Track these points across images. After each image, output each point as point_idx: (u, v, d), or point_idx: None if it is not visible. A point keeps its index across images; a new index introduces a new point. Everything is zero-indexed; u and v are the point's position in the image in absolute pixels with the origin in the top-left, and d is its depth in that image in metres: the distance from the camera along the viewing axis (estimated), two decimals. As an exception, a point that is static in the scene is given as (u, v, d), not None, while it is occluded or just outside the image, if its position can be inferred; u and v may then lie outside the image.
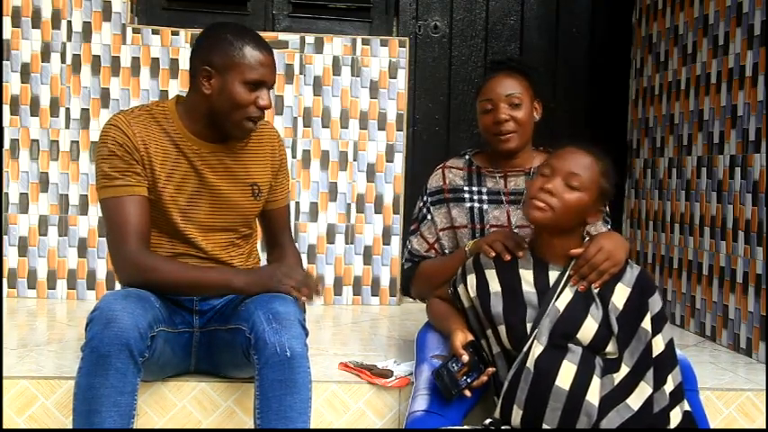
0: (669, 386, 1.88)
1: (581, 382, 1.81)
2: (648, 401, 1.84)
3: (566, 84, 3.72)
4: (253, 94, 2.02)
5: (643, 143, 3.55)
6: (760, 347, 2.68)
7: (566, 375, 1.82)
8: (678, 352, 2.11)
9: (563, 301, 1.92)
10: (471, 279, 2.05)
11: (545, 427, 1.81)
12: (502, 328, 1.95)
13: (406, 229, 2.45)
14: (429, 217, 2.37)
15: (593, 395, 1.81)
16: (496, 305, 1.97)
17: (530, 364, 1.86)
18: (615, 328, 1.87)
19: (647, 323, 1.90)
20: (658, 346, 1.90)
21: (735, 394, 2.34)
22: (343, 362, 2.36)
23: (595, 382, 1.82)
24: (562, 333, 1.87)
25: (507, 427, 1.89)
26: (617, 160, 3.65)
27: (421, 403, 1.98)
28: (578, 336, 1.87)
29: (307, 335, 1.94)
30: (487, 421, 1.93)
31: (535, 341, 1.88)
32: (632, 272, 1.95)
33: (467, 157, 2.40)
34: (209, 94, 2.02)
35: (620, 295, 1.92)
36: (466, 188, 2.34)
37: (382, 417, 2.23)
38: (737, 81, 2.86)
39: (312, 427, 1.93)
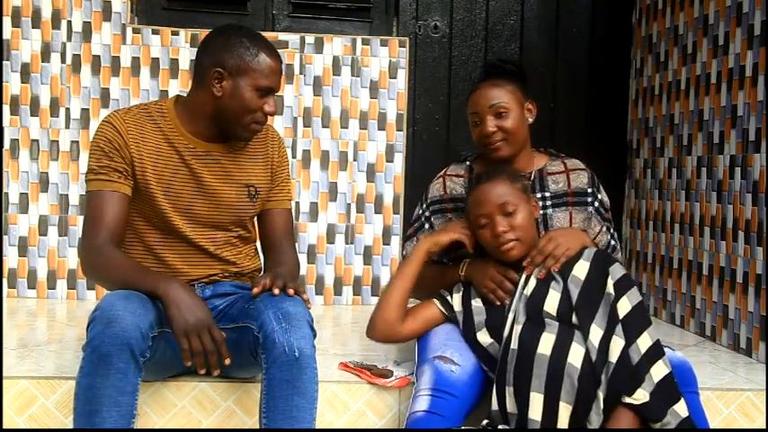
0: (645, 342, 1.94)
1: (561, 346, 1.92)
2: (625, 353, 1.92)
3: (566, 84, 3.72)
4: (262, 100, 2.05)
5: (643, 143, 3.55)
6: (760, 347, 2.68)
7: (546, 344, 1.93)
8: (678, 353, 2.14)
9: (529, 288, 2.06)
10: (457, 297, 2.21)
11: (533, 394, 1.88)
12: (482, 333, 2.09)
13: (406, 230, 2.45)
14: (427, 226, 2.37)
15: (575, 358, 1.90)
16: (478, 314, 2.12)
17: (513, 344, 1.97)
18: (574, 296, 1.99)
19: (610, 288, 1.99)
20: (625, 306, 1.97)
21: (735, 394, 2.34)
22: (343, 362, 2.36)
23: (575, 348, 1.91)
24: (534, 310, 2.01)
25: (504, 427, 1.91)
26: (617, 160, 3.70)
27: (422, 404, 1.98)
28: (546, 308, 2.00)
29: (315, 336, 1.94)
30: (484, 422, 1.96)
31: (515, 324, 2.01)
32: (590, 251, 2.09)
33: (467, 162, 2.40)
34: (220, 96, 2.03)
35: (581, 269, 2.04)
36: (467, 196, 2.33)
37: (382, 417, 2.23)
38: (737, 81, 2.86)
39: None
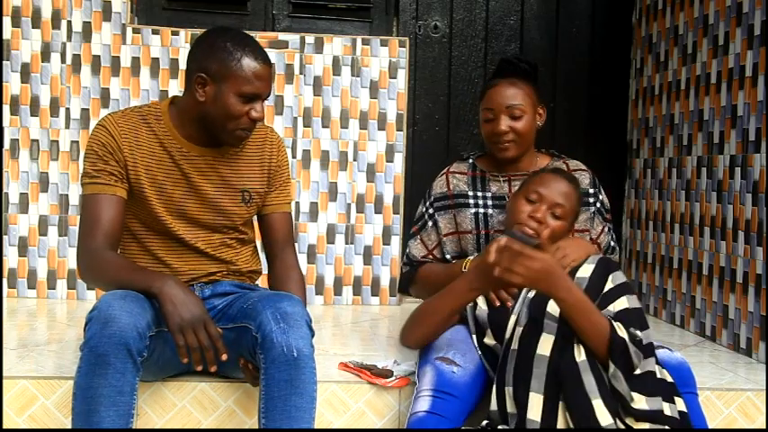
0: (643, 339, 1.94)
1: (560, 348, 1.90)
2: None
3: (566, 84, 3.72)
4: (246, 106, 2.01)
5: (643, 143, 3.55)
6: (760, 347, 2.68)
7: (545, 345, 1.92)
8: (677, 353, 2.14)
9: (533, 291, 2.04)
10: None
11: (532, 394, 1.87)
12: (488, 332, 2.08)
13: (407, 230, 2.45)
14: (430, 223, 2.36)
15: (577, 355, 1.90)
16: (481, 314, 2.11)
17: (514, 345, 1.97)
18: None
19: (607, 288, 1.99)
20: (622, 303, 1.95)
21: (735, 394, 2.34)
22: (343, 362, 2.36)
23: (575, 347, 1.91)
24: (536, 312, 1.99)
25: (504, 427, 1.91)
26: (617, 160, 3.70)
27: (423, 404, 1.98)
28: (549, 309, 1.97)
29: (313, 335, 1.94)
30: (484, 423, 1.96)
31: (516, 326, 2.00)
32: (595, 257, 2.09)
33: (470, 161, 2.40)
34: (203, 102, 2.01)
35: (585, 270, 2.04)
36: (470, 193, 2.33)
37: (382, 417, 2.23)
38: (737, 81, 2.86)
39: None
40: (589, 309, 1.87)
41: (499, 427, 1.93)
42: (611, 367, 1.85)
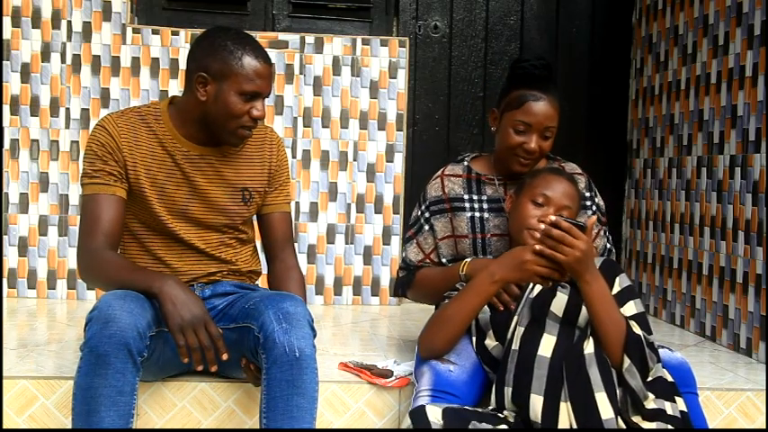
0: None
1: (562, 348, 1.90)
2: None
3: (565, 84, 3.72)
4: (247, 105, 2.02)
5: (643, 143, 3.55)
6: (760, 347, 2.68)
7: (546, 345, 1.92)
8: (677, 353, 2.14)
9: (534, 292, 2.04)
10: None
11: (533, 396, 1.87)
12: (489, 333, 2.07)
13: (406, 231, 2.44)
14: (427, 227, 2.35)
15: (585, 347, 1.90)
16: (483, 317, 2.09)
17: (515, 345, 1.96)
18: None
19: (615, 291, 1.99)
20: (630, 309, 1.98)
21: (735, 394, 2.34)
22: (343, 362, 2.36)
23: (585, 340, 1.91)
24: (539, 312, 1.98)
25: (512, 413, 1.91)
26: (617, 160, 3.70)
27: (422, 404, 1.98)
28: (552, 309, 1.97)
29: (315, 335, 1.94)
30: (490, 408, 1.97)
31: (518, 327, 1.99)
32: (599, 260, 2.08)
33: (465, 163, 2.37)
34: (204, 101, 2.02)
35: None
36: (466, 197, 2.32)
37: (382, 417, 2.23)
38: (737, 81, 2.86)
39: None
40: (610, 300, 1.90)
41: (504, 412, 1.93)
42: (626, 362, 1.86)
